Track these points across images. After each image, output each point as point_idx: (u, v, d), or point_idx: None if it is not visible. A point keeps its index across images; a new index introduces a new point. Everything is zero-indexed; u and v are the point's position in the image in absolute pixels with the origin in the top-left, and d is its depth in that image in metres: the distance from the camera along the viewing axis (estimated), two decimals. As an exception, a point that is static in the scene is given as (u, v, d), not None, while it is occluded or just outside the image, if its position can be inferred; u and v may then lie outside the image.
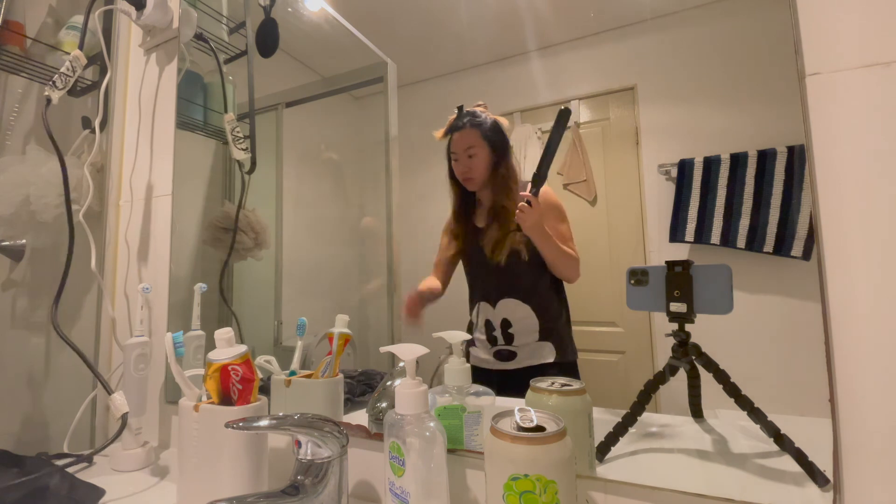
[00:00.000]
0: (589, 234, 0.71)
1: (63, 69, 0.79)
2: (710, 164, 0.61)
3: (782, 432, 0.49)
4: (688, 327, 0.53)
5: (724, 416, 0.57)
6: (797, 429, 0.48)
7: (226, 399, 0.61)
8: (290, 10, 1.03)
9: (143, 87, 1.04)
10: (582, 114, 0.73)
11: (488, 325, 0.74)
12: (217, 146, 1.06)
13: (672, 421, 0.59)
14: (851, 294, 0.43)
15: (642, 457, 0.56)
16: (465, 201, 0.78)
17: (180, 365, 0.65)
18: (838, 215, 0.44)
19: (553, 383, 0.54)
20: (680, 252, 0.63)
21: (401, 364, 0.54)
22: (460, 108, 0.77)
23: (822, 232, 0.45)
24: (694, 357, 0.53)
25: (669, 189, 0.64)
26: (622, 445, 0.56)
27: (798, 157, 0.55)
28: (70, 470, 0.71)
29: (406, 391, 0.50)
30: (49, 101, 0.77)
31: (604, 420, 0.55)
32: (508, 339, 0.72)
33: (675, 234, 0.64)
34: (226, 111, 0.98)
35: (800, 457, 0.47)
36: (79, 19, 0.94)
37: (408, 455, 0.48)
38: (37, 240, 0.93)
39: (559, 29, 0.76)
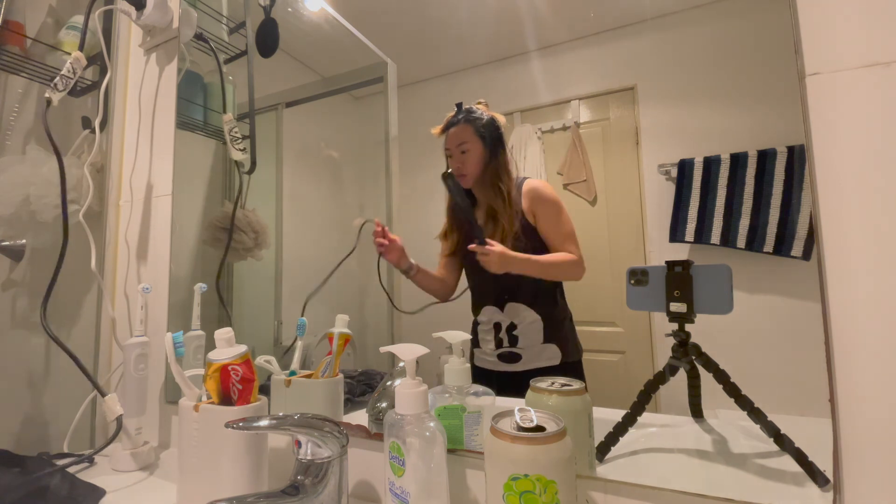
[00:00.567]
0: (589, 234, 0.71)
1: (64, 71, 0.79)
2: (710, 164, 0.61)
3: (782, 432, 0.49)
4: (688, 327, 0.53)
5: (724, 416, 0.57)
6: (797, 429, 0.48)
7: (226, 399, 0.61)
8: (290, 10, 1.03)
9: (143, 87, 1.04)
10: (582, 114, 0.73)
11: (496, 328, 0.74)
12: (217, 146, 1.06)
13: (672, 421, 0.59)
14: (851, 294, 0.43)
15: (642, 457, 0.56)
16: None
17: (180, 365, 0.65)
18: (838, 215, 0.44)
19: (553, 383, 0.54)
20: (680, 252, 0.63)
21: (401, 364, 0.54)
22: (459, 105, 0.77)
23: (822, 232, 0.45)
24: (694, 357, 0.53)
25: (669, 189, 0.64)
26: (622, 445, 0.56)
27: (798, 157, 0.55)
28: (70, 470, 0.71)
29: (406, 391, 0.50)
30: (49, 102, 0.77)
31: (604, 420, 0.55)
32: (513, 341, 0.72)
33: (675, 234, 0.64)
34: (224, 111, 0.98)
35: (800, 457, 0.47)
36: (79, 19, 0.94)
37: (408, 455, 0.48)
38: (37, 240, 0.93)
39: (559, 29, 0.76)
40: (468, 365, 0.59)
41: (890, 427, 0.41)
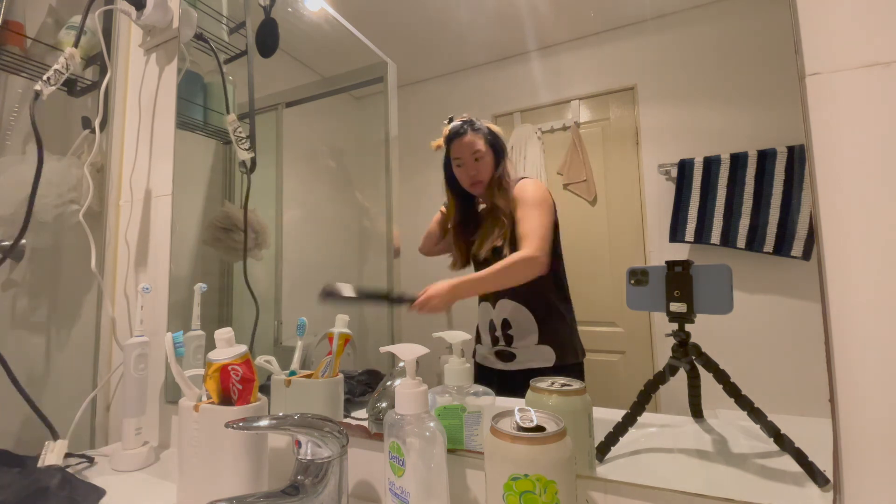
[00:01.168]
0: (589, 234, 0.71)
1: (57, 65, 0.78)
2: (710, 164, 0.61)
3: (782, 432, 0.49)
4: (688, 327, 0.53)
5: (724, 416, 0.57)
6: (797, 429, 0.48)
7: (226, 399, 0.61)
8: (290, 10, 1.03)
9: (143, 87, 1.04)
10: (582, 114, 0.73)
11: (491, 325, 0.74)
12: (217, 146, 1.06)
13: (672, 421, 0.59)
14: (851, 294, 0.43)
15: (642, 457, 0.56)
16: (465, 211, 0.79)
17: (180, 365, 0.65)
18: (838, 215, 0.44)
19: (553, 383, 0.54)
20: (680, 252, 0.63)
21: (401, 364, 0.54)
22: (451, 119, 0.78)
23: (822, 232, 0.45)
24: (694, 357, 0.53)
25: (669, 189, 0.64)
26: (622, 445, 0.56)
27: (798, 157, 0.55)
28: (70, 470, 0.71)
29: (406, 391, 0.50)
30: (37, 94, 0.76)
31: (604, 420, 0.55)
32: (508, 340, 0.72)
33: (675, 234, 0.64)
34: (228, 112, 0.98)
35: (800, 457, 0.47)
36: (79, 19, 0.94)
37: (408, 455, 0.48)
38: (37, 240, 0.93)
39: (559, 29, 0.76)
40: (468, 365, 0.59)
41: (890, 427, 0.41)
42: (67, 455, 0.80)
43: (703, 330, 0.53)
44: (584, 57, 0.74)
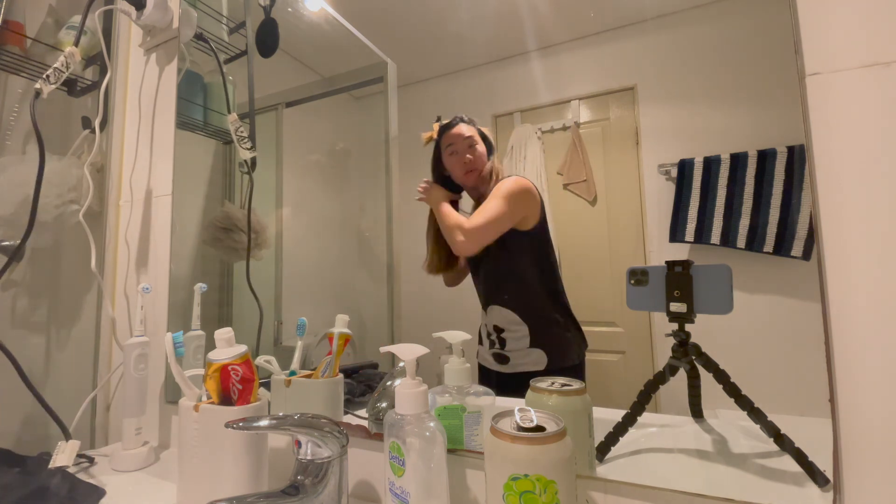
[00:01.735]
0: (589, 234, 0.71)
1: (57, 64, 0.78)
2: (710, 164, 0.61)
3: (782, 432, 0.49)
4: (688, 327, 0.53)
5: (724, 416, 0.57)
6: (797, 429, 0.48)
7: (226, 399, 0.61)
8: (290, 10, 1.03)
9: (143, 87, 1.04)
10: (582, 114, 0.73)
11: (487, 329, 0.75)
12: (217, 146, 1.06)
13: (672, 421, 0.59)
14: (851, 294, 0.43)
15: (642, 457, 0.56)
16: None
17: (180, 365, 0.65)
18: (838, 215, 0.44)
19: (553, 383, 0.54)
20: (680, 252, 0.63)
21: (401, 364, 0.54)
22: (439, 118, 0.79)
23: (822, 232, 0.45)
24: (694, 357, 0.53)
25: (669, 189, 0.64)
26: (622, 445, 0.56)
27: (798, 157, 0.55)
28: (70, 470, 0.71)
29: (406, 391, 0.50)
30: (38, 93, 0.76)
31: (604, 420, 0.55)
32: (502, 343, 0.73)
33: (675, 234, 0.64)
34: (228, 111, 0.98)
35: (800, 457, 0.47)
36: (79, 19, 0.94)
37: (408, 455, 0.48)
38: (37, 240, 0.93)
39: (559, 29, 0.76)
40: (468, 365, 0.59)
41: (890, 427, 0.41)
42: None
43: (703, 330, 0.53)
44: (584, 57, 0.74)
